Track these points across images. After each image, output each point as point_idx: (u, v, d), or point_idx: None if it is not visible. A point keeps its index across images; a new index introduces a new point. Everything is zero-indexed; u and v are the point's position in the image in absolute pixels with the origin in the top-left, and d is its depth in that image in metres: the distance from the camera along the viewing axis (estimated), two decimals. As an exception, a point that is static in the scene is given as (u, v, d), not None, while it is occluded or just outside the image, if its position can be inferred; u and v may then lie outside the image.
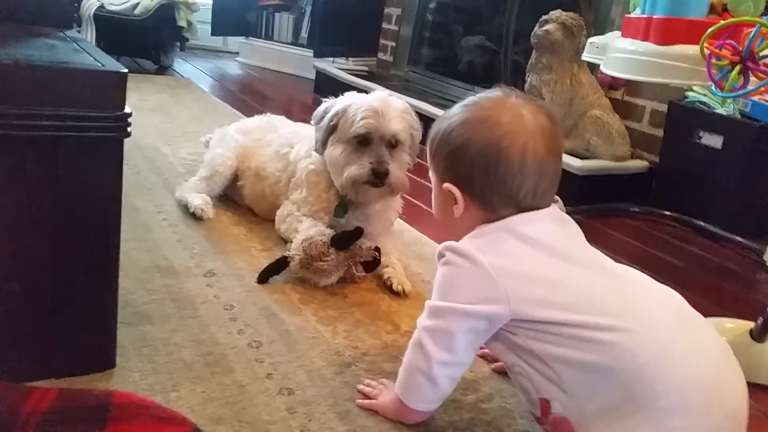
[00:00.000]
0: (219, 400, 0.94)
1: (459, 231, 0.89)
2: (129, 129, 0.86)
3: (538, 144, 0.84)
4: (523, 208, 0.86)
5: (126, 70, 0.85)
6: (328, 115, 1.41)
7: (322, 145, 1.43)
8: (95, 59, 0.90)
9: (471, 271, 0.83)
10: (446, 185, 0.89)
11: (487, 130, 0.85)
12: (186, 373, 0.99)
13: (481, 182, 0.86)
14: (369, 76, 3.44)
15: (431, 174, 0.95)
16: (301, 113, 3.02)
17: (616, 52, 1.38)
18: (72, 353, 0.93)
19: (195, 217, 1.58)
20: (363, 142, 1.36)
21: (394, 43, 3.73)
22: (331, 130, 1.41)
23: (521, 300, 0.80)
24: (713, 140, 2.03)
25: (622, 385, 0.75)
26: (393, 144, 1.37)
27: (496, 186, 0.85)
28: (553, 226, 0.87)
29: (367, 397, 0.99)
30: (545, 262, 0.83)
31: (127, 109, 0.85)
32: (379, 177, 1.35)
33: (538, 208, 0.86)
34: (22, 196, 0.83)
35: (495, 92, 0.91)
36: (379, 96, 1.41)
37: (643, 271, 0.88)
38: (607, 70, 1.42)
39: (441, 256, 0.88)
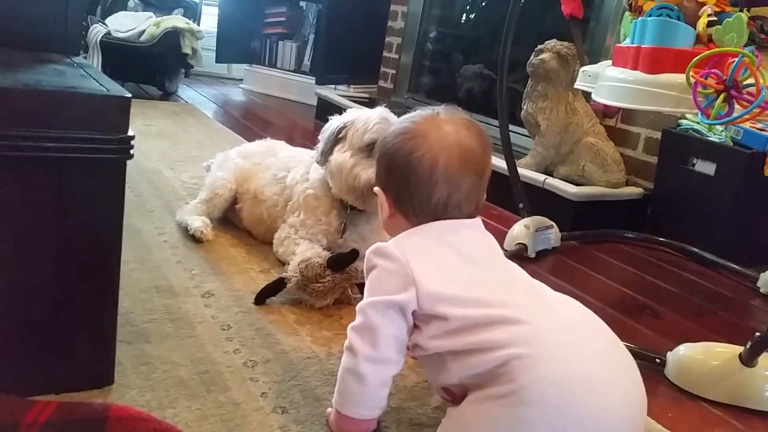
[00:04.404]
0: (214, 417, 0.96)
1: (392, 236, 0.96)
2: (131, 151, 0.89)
3: (452, 158, 0.90)
4: (439, 217, 0.92)
5: (129, 95, 0.89)
6: (333, 127, 1.45)
7: (324, 156, 1.46)
8: (100, 84, 0.93)
9: (388, 266, 0.89)
10: (376, 188, 0.99)
11: (406, 140, 0.93)
12: (182, 391, 1.01)
13: (400, 188, 0.94)
14: (370, 103, 3.50)
15: None
16: (302, 139, 3.07)
17: (606, 81, 1.42)
18: (71, 369, 0.94)
19: (195, 239, 1.61)
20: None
21: (394, 71, 3.79)
22: (336, 141, 1.44)
23: (428, 291, 0.85)
24: (706, 167, 2.06)
25: (492, 368, 0.79)
26: None
27: (409, 193, 0.92)
28: (467, 235, 0.93)
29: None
30: (454, 261, 0.89)
31: (130, 132, 0.88)
32: None
33: (453, 219, 0.93)
34: (28, 214, 0.86)
35: (435, 108, 0.97)
36: (381, 110, 1.46)
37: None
38: (598, 98, 1.46)
39: (368, 260, 0.93)
